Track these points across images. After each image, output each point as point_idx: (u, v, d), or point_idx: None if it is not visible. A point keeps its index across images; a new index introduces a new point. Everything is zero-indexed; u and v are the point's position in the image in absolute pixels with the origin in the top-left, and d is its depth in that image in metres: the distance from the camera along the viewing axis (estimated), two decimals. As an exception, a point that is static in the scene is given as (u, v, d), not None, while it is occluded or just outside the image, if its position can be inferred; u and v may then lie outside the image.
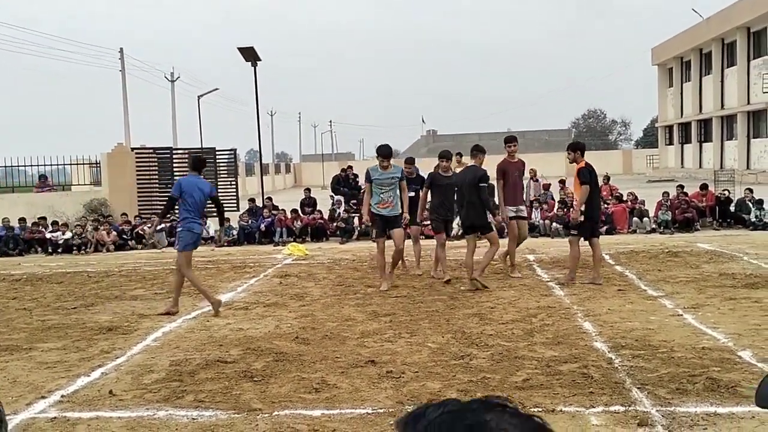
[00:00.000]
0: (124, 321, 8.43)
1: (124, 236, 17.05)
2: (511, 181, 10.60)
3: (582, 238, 9.74)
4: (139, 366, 6.43)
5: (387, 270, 10.02)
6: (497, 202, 10.77)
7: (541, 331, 7.16)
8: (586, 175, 9.54)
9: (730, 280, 9.69)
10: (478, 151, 10.08)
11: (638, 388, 5.30)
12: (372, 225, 10.24)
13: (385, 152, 9.91)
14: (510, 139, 10.94)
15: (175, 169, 22.87)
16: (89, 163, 23.57)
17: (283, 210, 17.46)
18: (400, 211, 9.86)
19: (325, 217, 17.64)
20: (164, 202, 11.08)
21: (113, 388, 5.75)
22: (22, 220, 17.75)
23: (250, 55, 20.65)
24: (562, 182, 19.26)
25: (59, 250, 16.31)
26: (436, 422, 0.98)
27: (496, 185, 10.77)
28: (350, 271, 11.82)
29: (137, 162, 22.27)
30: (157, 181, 22.44)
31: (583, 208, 9.59)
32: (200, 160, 9.30)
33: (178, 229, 8.92)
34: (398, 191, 9.85)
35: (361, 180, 20.53)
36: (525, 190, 10.83)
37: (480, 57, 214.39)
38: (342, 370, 6.01)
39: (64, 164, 23.76)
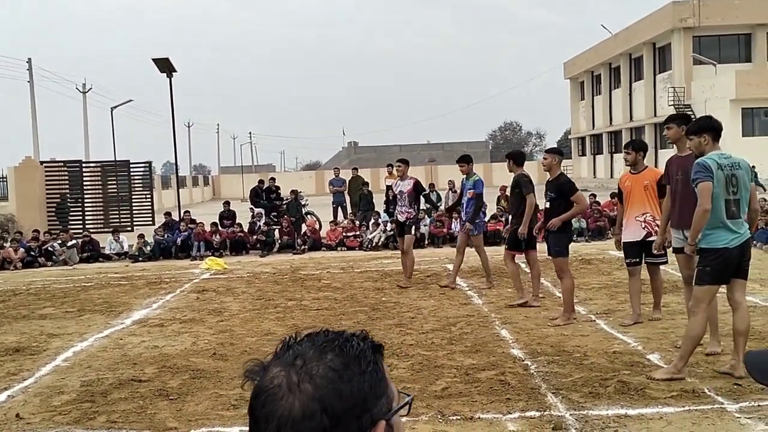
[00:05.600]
0: (33, 341, 8.08)
1: (33, 253, 16.35)
2: (672, 188, 6.73)
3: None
4: (48, 387, 6.17)
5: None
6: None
7: (460, 339, 7.26)
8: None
9: (639, 285, 10.02)
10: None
11: (553, 393, 5.43)
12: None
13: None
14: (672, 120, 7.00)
15: (85, 183, 22.15)
16: (-6, 177, 22.60)
17: (201, 223, 17.12)
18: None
19: (245, 230, 17.41)
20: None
21: (20, 412, 5.50)
22: None
23: (165, 66, 20.21)
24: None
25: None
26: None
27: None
28: (270, 284, 11.68)
29: (47, 176, 21.49)
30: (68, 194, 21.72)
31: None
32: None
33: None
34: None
35: (284, 192, 20.32)
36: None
37: (398, 70, 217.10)
38: (261, 386, 5.91)
39: (-33, 178, 22.69)
